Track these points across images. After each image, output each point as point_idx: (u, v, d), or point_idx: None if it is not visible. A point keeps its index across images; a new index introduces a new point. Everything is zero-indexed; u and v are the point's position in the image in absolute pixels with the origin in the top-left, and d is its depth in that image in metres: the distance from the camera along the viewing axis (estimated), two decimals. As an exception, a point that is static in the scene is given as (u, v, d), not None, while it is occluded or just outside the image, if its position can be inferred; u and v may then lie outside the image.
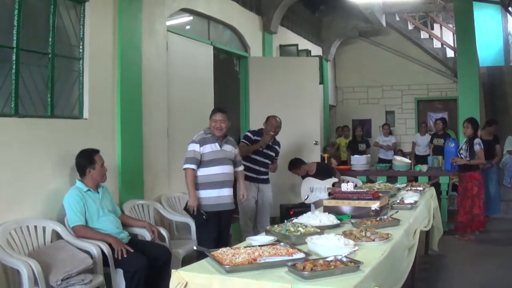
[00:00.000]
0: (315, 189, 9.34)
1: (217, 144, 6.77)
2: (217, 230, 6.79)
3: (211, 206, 6.71)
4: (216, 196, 6.73)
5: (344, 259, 3.43)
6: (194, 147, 6.66)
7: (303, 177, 9.59)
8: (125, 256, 5.68)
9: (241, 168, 7.36)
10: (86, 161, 6.12)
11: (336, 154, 15.28)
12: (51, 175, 6.25)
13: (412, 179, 10.81)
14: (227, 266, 3.33)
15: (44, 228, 5.86)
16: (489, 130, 11.54)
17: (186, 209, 6.82)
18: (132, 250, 5.77)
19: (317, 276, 3.18)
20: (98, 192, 6.18)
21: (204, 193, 6.71)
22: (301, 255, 3.57)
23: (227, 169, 6.84)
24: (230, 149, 6.94)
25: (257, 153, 8.34)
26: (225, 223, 7.02)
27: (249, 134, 8.59)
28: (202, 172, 6.71)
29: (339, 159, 14.99)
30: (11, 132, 5.77)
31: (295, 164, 9.72)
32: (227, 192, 6.83)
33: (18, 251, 5.42)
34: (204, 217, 6.63)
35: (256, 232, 8.01)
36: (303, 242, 4.02)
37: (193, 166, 6.62)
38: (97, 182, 6.20)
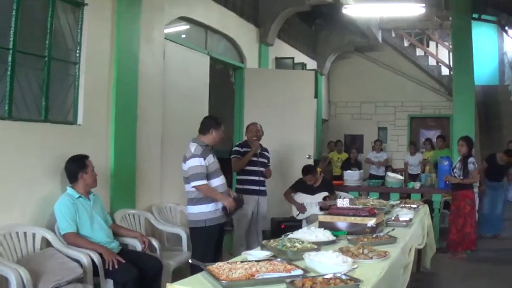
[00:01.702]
0: (307, 204, 9.30)
1: (212, 155, 6.69)
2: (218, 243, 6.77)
3: (218, 219, 6.65)
4: (221, 208, 6.64)
5: (343, 277, 3.35)
6: (200, 161, 6.47)
7: (294, 191, 9.50)
8: (116, 267, 5.60)
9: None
10: (78, 166, 6.05)
11: (327, 168, 15.25)
12: (43, 180, 6.15)
13: (404, 196, 10.78)
14: (224, 282, 3.24)
15: (33, 235, 5.76)
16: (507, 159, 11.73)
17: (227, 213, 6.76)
18: (123, 261, 5.69)
19: (316, 294, 3.11)
20: (89, 199, 6.11)
21: (209, 207, 6.59)
22: (299, 271, 3.49)
23: (224, 178, 6.80)
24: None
25: (252, 163, 8.32)
26: (222, 236, 6.97)
27: (237, 148, 8.58)
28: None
29: (330, 174, 14.97)
30: (4, 135, 5.67)
31: (311, 171, 9.63)
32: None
33: (7, 258, 5.33)
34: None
35: (247, 243, 8.00)
36: (300, 258, 3.93)
37: (204, 181, 6.47)
38: (88, 188, 6.14)
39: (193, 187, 6.48)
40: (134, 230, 7.02)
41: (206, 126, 6.75)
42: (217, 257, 6.52)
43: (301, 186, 9.52)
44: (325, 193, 9.34)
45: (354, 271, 3.56)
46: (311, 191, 9.42)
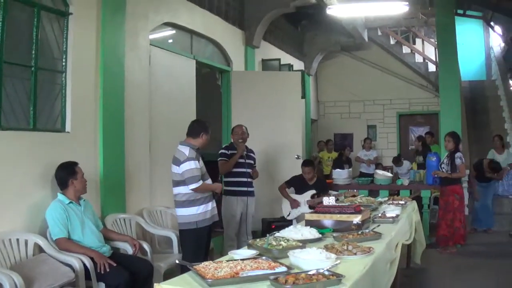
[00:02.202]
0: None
1: (200, 158, 6.85)
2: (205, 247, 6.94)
3: (208, 220, 6.86)
4: (210, 210, 6.88)
5: (326, 273, 3.44)
6: (196, 164, 6.66)
7: (288, 186, 9.59)
8: (107, 270, 5.68)
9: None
10: (68, 172, 6.14)
11: (318, 168, 15.31)
12: (33, 188, 6.22)
13: (394, 193, 10.85)
14: (209, 280, 3.33)
15: (26, 241, 5.83)
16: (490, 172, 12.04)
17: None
18: (114, 264, 5.77)
19: (299, 289, 3.19)
20: (80, 205, 6.18)
21: (200, 209, 6.78)
22: (283, 268, 3.57)
23: (211, 181, 6.98)
24: None
25: (239, 165, 8.40)
26: (209, 236, 7.12)
27: (223, 150, 8.68)
28: None
29: (321, 173, 15.04)
30: (-7, 145, 5.75)
31: (312, 162, 9.97)
32: (214, 203, 7.02)
33: (0, 264, 5.40)
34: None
35: (238, 244, 8.07)
36: (285, 256, 4.02)
37: (202, 183, 6.69)
38: (79, 194, 6.22)
39: (192, 189, 6.63)
40: (125, 234, 7.09)
41: (197, 130, 6.89)
42: (206, 258, 6.62)
43: (295, 182, 9.65)
44: (313, 191, 9.40)
45: (337, 266, 3.63)
46: (304, 189, 9.52)
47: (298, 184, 9.58)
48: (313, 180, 9.60)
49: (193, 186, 6.60)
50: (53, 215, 5.87)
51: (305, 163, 9.76)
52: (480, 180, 12.00)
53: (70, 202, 6.05)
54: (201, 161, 6.81)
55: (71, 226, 5.96)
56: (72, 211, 6.03)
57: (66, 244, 5.83)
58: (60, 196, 6.08)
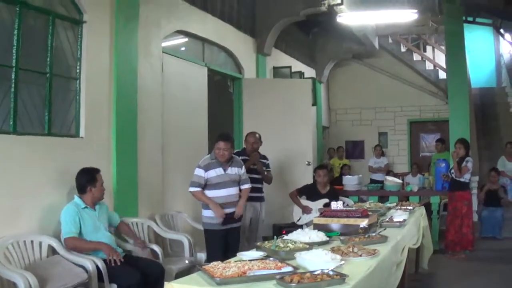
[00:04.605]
0: (309, 210, 9.43)
1: (221, 168, 7.14)
2: (224, 245, 7.17)
3: (219, 225, 7.11)
4: (229, 213, 7.17)
5: (331, 273, 3.53)
6: (199, 172, 7.10)
7: (300, 194, 9.62)
8: (118, 263, 5.79)
9: (246, 185, 7.56)
10: (88, 179, 6.24)
11: (329, 175, 15.32)
12: (48, 191, 6.35)
13: (403, 199, 10.89)
14: (217, 279, 3.44)
15: (40, 243, 5.96)
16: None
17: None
18: (122, 260, 5.87)
19: (304, 288, 3.29)
20: (95, 210, 6.29)
21: (211, 212, 7.11)
22: (289, 268, 3.66)
23: (232, 191, 7.28)
24: (235, 171, 7.31)
25: (251, 171, 8.40)
26: (233, 238, 7.37)
27: None
28: (208, 194, 7.13)
29: (332, 179, 15.05)
30: (9, 149, 5.90)
31: (326, 166, 10.20)
32: (231, 211, 7.21)
33: (15, 265, 5.52)
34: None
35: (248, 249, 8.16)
36: (292, 257, 4.12)
37: (197, 189, 7.08)
38: (96, 201, 6.32)
39: (189, 191, 7.08)
40: (134, 233, 7.16)
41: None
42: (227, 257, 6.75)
43: (307, 191, 9.63)
44: (326, 200, 9.40)
45: (342, 267, 3.73)
46: (316, 197, 9.47)
47: (310, 192, 9.53)
48: (326, 188, 9.54)
49: (190, 188, 7.14)
50: (66, 216, 6.00)
51: (319, 167, 9.86)
52: (487, 204, 12.06)
53: (85, 207, 6.16)
54: (221, 171, 7.16)
55: (85, 230, 6.07)
56: (87, 215, 6.13)
57: (74, 242, 5.93)
58: (76, 199, 6.19)
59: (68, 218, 5.99)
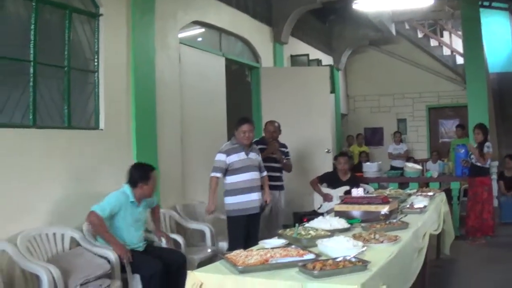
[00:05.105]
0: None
1: (243, 153, 7.16)
2: (246, 232, 7.14)
3: (241, 211, 7.13)
4: (246, 201, 7.14)
5: (353, 259, 3.52)
6: (221, 157, 7.11)
7: (320, 182, 9.62)
8: (131, 260, 5.77)
9: (265, 173, 7.62)
10: (141, 176, 6.20)
11: (349, 162, 15.31)
12: (69, 183, 6.41)
13: (424, 185, 10.86)
14: (240, 267, 3.46)
15: (62, 236, 6.02)
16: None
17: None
18: (131, 260, 5.83)
19: (327, 275, 3.29)
20: (139, 206, 6.28)
21: (234, 199, 7.14)
22: (312, 256, 3.67)
23: (254, 175, 7.25)
24: (255, 156, 7.34)
25: (270, 160, 8.45)
26: (254, 226, 7.34)
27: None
28: (231, 179, 7.16)
29: (351, 166, 15.04)
30: (30, 142, 5.96)
31: (346, 153, 10.24)
32: (256, 196, 7.25)
33: (37, 257, 5.57)
34: None
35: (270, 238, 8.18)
36: (314, 244, 4.12)
37: (218, 175, 7.10)
38: (144, 197, 6.30)
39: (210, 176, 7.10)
40: (159, 224, 7.15)
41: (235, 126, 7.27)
42: (249, 245, 6.77)
43: (328, 178, 9.60)
44: (347, 187, 9.37)
45: (364, 254, 3.74)
46: (337, 184, 9.42)
47: (331, 180, 9.50)
48: (347, 175, 9.51)
49: (211, 174, 7.14)
50: (111, 199, 5.96)
51: (340, 154, 9.89)
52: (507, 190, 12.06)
53: (133, 201, 6.14)
54: (243, 155, 7.19)
55: (123, 222, 6.06)
56: (131, 209, 6.13)
57: (96, 220, 5.80)
58: (127, 189, 6.15)
59: (112, 201, 5.95)
